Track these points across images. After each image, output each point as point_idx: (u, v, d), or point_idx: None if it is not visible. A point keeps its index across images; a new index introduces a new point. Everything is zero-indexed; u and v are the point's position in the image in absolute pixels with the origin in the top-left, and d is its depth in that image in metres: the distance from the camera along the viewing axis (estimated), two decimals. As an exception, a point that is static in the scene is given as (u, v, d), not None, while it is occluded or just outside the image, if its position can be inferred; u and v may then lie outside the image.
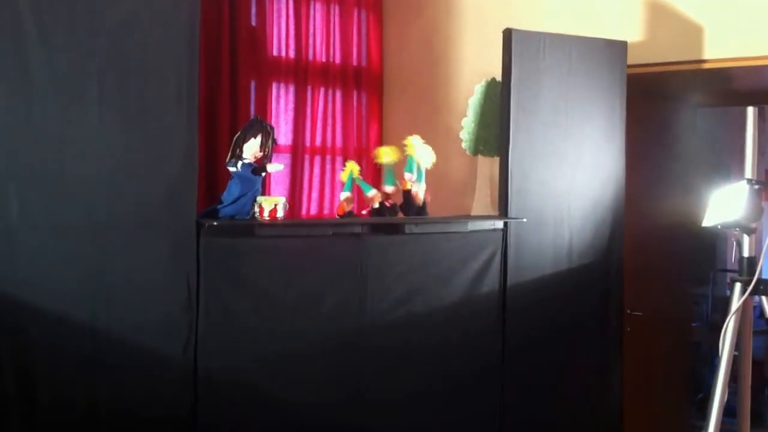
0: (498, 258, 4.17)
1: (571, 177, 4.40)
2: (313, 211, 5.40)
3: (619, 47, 4.53)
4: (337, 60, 5.65)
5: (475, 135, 4.53)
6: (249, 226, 3.66)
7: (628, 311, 4.80)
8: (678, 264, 5.68)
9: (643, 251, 4.98)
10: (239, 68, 5.08)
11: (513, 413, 4.19)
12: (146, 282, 3.28)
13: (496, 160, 4.36)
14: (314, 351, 3.69)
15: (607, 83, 4.51)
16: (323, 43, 5.59)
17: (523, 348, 4.24)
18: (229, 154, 3.91)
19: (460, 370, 4.07)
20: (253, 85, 5.21)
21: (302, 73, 5.48)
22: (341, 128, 5.71)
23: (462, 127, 4.55)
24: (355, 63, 5.76)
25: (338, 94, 5.68)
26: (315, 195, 5.48)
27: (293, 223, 3.87)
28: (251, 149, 3.89)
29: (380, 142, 5.73)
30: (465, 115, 4.65)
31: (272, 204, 3.69)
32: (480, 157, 4.58)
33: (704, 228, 3.49)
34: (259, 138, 3.78)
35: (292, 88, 5.46)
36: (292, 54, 5.42)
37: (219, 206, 3.87)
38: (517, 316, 4.24)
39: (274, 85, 5.36)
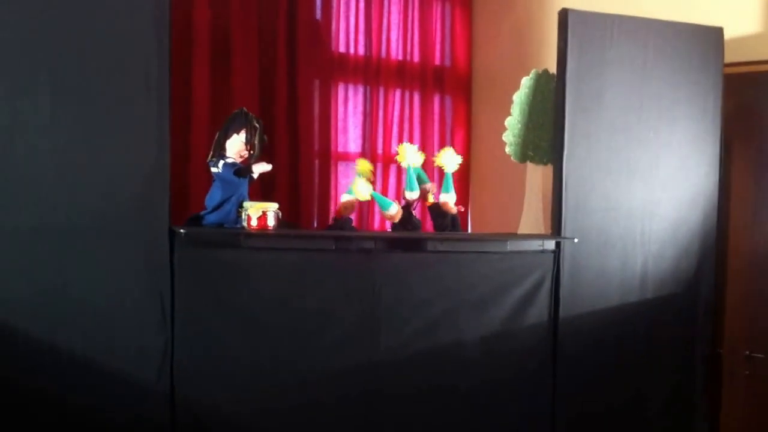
0: (547, 285, 3.68)
1: (645, 193, 3.89)
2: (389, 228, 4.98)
3: (713, 35, 3.94)
4: (416, 58, 5.28)
5: (523, 138, 4.01)
6: (232, 236, 3.27)
7: (747, 352, 4.19)
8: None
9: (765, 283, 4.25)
10: (298, 66, 4.79)
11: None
12: (112, 298, 3.03)
13: (549, 170, 3.92)
14: (313, 392, 3.30)
15: (696, 79, 3.93)
16: (400, 39, 5.24)
17: (578, 398, 3.74)
18: (211, 152, 3.52)
19: (497, 424, 3.59)
20: (317, 85, 4.91)
21: (373, 73, 5.14)
22: (420, 135, 5.33)
23: (506, 128, 4.04)
24: (437, 62, 5.37)
25: (416, 97, 5.30)
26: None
27: (287, 234, 3.42)
28: (234, 147, 3.49)
29: (468, 151, 5.47)
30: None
31: (260, 211, 3.32)
32: (530, 166, 4.08)
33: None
34: (243, 134, 3.41)
35: (361, 89, 5.13)
36: (361, 51, 5.10)
37: (203, 212, 3.50)
38: (571, 357, 3.74)
39: (341, 86, 5.04)
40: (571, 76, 3.70)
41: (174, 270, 3.06)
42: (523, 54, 5.22)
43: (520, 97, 4.03)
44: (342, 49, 5.03)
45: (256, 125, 3.45)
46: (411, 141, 5.13)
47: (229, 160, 3.41)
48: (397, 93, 5.24)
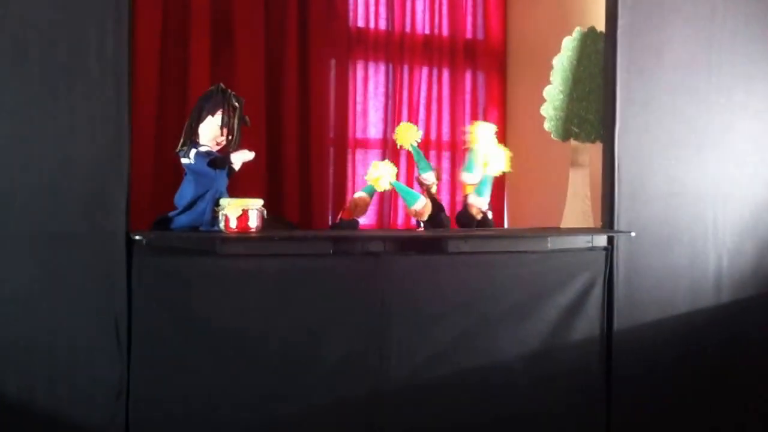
0: (598, 290, 3.39)
1: (717, 172, 3.64)
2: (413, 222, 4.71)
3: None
4: (444, 31, 5.03)
5: (566, 111, 3.75)
6: (205, 241, 2.98)
7: None
8: None
9: None
10: (311, 43, 4.60)
11: None
12: (53, 323, 2.74)
13: (598, 148, 3.66)
14: (306, 430, 3.02)
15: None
16: (426, 10, 4.98)
17: (638, 429, 3.48)
18: (181, 139, 3.14)
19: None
20: (333, 64, 4.72)
21: (396, 49, 4.89)
22: (449, 116, 5.06)
23: (544, 100, 3.82)
24: (468, 35, 5.12)
25: (445, 75, 5.04)
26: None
27: (273, 237, 3.11)
28: (209, 132, 3.13)
29: (503, 133, 5.04)
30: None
31: (239, 209, 2.99)
32: (574, 145, 3.84)
33: None
34: (218, 116, 3.08)
35: (383, 68, 4.89)
36: (382, 25, 4.86)
37: (172, 213, 3.12)
38: (629, 378, 3.47)
39: (359, 64, 4.83)
40: (624, 31, 3.46)
41: (132, 286, 2.79)
42: (567, 19, 4.85)
43: (561, 62, 3.79)
44: (360, 23, 4.81)
45: (236, 104, 3.12)
46: (439, 124, 4.99)
47: (202, 149, 3.07)
48: (424, 71, 4.99)
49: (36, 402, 2.69)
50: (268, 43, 4.45)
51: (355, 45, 4.79)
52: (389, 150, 4.87)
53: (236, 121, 3.13)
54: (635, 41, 3.48)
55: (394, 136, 3.91)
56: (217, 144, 3.12)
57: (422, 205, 3.65)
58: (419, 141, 3.85)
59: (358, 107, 4.81)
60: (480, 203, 3.69)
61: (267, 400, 2.95)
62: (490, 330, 3.22)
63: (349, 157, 4.79)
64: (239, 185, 4.22)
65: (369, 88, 4.86)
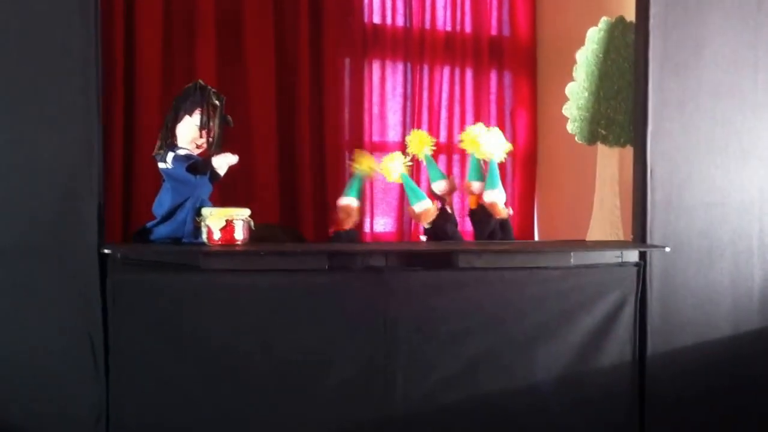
0: (629, 311, 3.18)
1: (764, 181, 3.46)
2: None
3: None
4: (467, 28, 4.89)
5: (591, 111, 3.59)
6: (185, 255, 2.82)
7: None
8: None
9: None
10: (324, 41, 4.48)
11: None
12: (25, 343, 2.66)
13: (628, 152, 3.51)
14: None
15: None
16: (447, 5, 4.85)
17: None
18: (158, 142, 2.96)
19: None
20: (348, 63, 4.61)
21: (416, 47, 4.76)
22: (472, 120, 4.83)
23: (567, 98, 3.65)
24: (494, 31, 4.97)
25: (468, 74, 4.89)
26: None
27: (261, 251, 2.92)
28: (187, 134, 2.94)
29: (533, 138, 5.00)
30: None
31: (222, 220, 2.80)
32: (601, 148, 3.65)
33: None
34: (197, 116, 2.90)
35: (401, 67, 4.75)
36: (401, 21, 4.72)
37: (150, 224, 2.93)
38: (665, 408, 3.28)
39: (376, 63, 4.71)
40: (657, 22, 3.29)
41: (107, 304, 2.68)
42: (604, 11, 4.43)
43: (586, 56, 3.61)
44: (377, 19, 4.70)
45: (216, 103, 2.93)
46: (462, 126, 4.76)
47: (181, 152, 2.88)
48: (445, 71, 4.86)
49: (14, 424, 2.65)
50: (278, 41, 4.34)
51: (372, 43, 4.69)
52: (408, 155, 4.63)
53: (217, 120, 2.91)
54: (671, 34, 3.30)
55: (407, 145, 3.80)
56: (198, 147, 2.94)
57: (423, 208, 3.49)
58: (433, 149, 3.74)
59: (375, 110, 4.71)
60: (496, 197, 3.50)
61: (257, 429, 2.82)
62: (508, 354, 3.04)
63: (365, 161, 4.74)
64: (249, 193, 4.16)
65: (386, 89, 4.77)
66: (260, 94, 4.19)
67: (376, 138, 4.68)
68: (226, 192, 4.14)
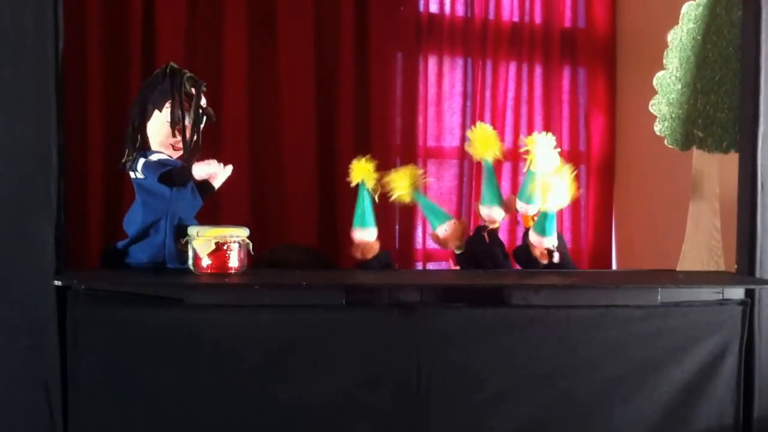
0: (732, 361, 2.78)
1: None
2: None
3: None
4: (537, 19, 4.69)
5: (685, 108, 3.26)
6: (165, 287, 2.46)
7: None
8: None
9: None
10: (370, 32, 4.27)
11: None
12: None
13: (732, 160, 3.11)
14: None
15: None
16: None
17: None
18: (128, 146, 2.52)
19: None
20: (399, 58, 4.40)
21: (477, 40, 4.58)
22: (542, 122, 4.68)
23: (655, 92, 3.32)
24: (567, 23, 4.77)
25: (537, 71, 4.69)
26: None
27: (253, 284, 2.54)
28: (158, 133, 2.49)
29: (611, 143, 4.72)
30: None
31: (210, 242, 2.38)
32: (698, 154, 3.32)
33: None
34: (167, 109, 2.44)
35: (460, 62, 4.59)
36: (460, 10, 4.55)
37: (122, 244, 2.53)
38: None
39: (432, 59, 4.52)
40: None
41: (66, 346, 2.40)
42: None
43: (680, 38, 3.24)
44: (433, 8, 4.54)
45: (191, 91, 2.47)
46: (530, 131, 4.48)
47: (153, 157, 2.45)
48: (511, 66, 4.68)
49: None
50: (317, 32, 4.16)
51: (427, 35, 4.50)
52: (468, 160, 4.47)
53: (192, 114, 2.44)
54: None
55: (467, 146, 3.31)
56: (175, 149, 2.50)
57: (448, 230, 3.00)
58: (500, 155, 3.18)
59: (430, 110, 4.51)
60: (543, 243, 2.97)
61: None
62: (574, 415, 2.62)
63: (420, 169, 4.32)
64: (281, 208, 3.90)
65: (443, 87, 4.58)
66: (296, 94, 4.01)
67: (431, 143, 4.49)
68: (254, 209, 3.86)
